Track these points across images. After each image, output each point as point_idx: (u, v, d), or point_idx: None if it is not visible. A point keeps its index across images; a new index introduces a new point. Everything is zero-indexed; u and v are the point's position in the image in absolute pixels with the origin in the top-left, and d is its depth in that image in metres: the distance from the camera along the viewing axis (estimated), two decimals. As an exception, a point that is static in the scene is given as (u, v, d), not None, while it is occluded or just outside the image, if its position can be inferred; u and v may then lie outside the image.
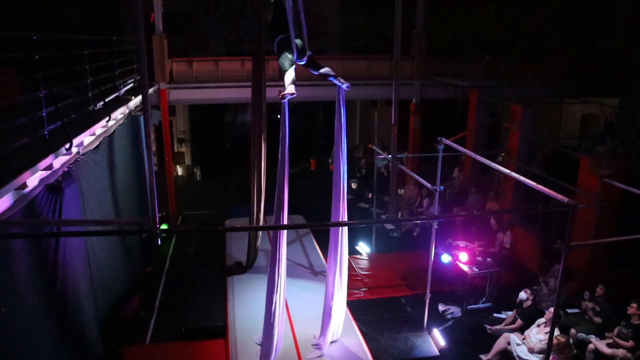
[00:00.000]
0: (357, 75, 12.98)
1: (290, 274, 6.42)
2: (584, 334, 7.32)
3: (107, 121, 7.47)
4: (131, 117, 9.50)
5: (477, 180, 12.80)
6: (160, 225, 3.86)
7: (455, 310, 8.52)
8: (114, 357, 7.14)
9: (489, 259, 9.00)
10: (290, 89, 5.59)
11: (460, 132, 12.60)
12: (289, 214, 6.29)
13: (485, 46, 14.70)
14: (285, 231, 6.39)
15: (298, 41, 5.68)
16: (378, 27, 16.37)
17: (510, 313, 8.07)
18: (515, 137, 10.94)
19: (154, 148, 12.83)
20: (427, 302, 7.92)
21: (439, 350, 7.50)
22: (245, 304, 8.10)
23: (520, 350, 6.99)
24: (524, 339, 7.13)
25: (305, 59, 5.82)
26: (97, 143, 7.31)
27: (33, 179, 4.94)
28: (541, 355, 6.67)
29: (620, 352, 6.80)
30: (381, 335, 7.82)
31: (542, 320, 7.17)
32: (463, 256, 8.87)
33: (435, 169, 7.74)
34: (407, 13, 8.91)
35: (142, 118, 9.65)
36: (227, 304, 8.18)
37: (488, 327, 7.96)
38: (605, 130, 12.77)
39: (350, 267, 9.99)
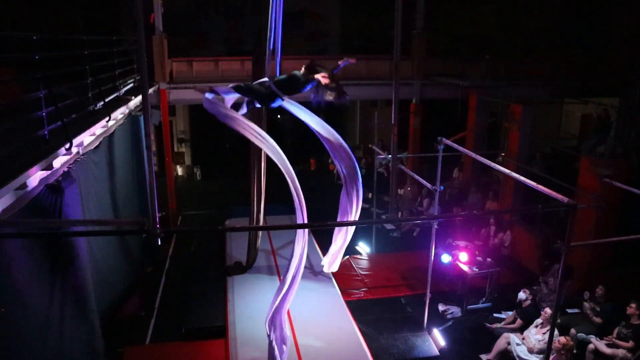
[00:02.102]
0: (357, 75, 12.97)
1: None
2: (584, 334, 7.33)
3: (107, 121, 7.46)
4: (131, 117, 9.49)
5: (477, 180, 12.79)
6: (160, 225, 3.85)
7: (455, 310, 8.52)
8: (113, 357, 7.12)
9: (489, 259, 9.00)
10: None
11: (460, 132, 12.61)
12: (290, 214, 6.23)
13: (485, 46, 14.70)
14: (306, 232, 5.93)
15: (298, 72, 5.44)
16: (378, 27, 16.37)
17: (510, 313, 8.07)
18: (515, 137, 10.94)
19: (154, 148, 12.83)
20: (427, 302, 7.92)
21: (439, 350, 7.50)
22: (245, 304, 8.10)
23: (520, 350, 7.00)
24: (523, 339, 7.13)
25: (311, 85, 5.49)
26: (97, 143, 7.30)
27: (33, 179, 4.94)
28: (541, 356, 6.67)
29: (620, 352, 6.80)
30: (381, 335, 7.82)
31: (539, 320, 7.18)
32: (463, 256, 8.87)
33: (435, 169, 7.75)
34: (407, 13, 8.89)
35: (142, 118, 9.64)
36: (227, 304, 8.18)
37: (488, 325, 7.97)
38: (598, 127, 12.68)
39: (350, 267, 10.03)
